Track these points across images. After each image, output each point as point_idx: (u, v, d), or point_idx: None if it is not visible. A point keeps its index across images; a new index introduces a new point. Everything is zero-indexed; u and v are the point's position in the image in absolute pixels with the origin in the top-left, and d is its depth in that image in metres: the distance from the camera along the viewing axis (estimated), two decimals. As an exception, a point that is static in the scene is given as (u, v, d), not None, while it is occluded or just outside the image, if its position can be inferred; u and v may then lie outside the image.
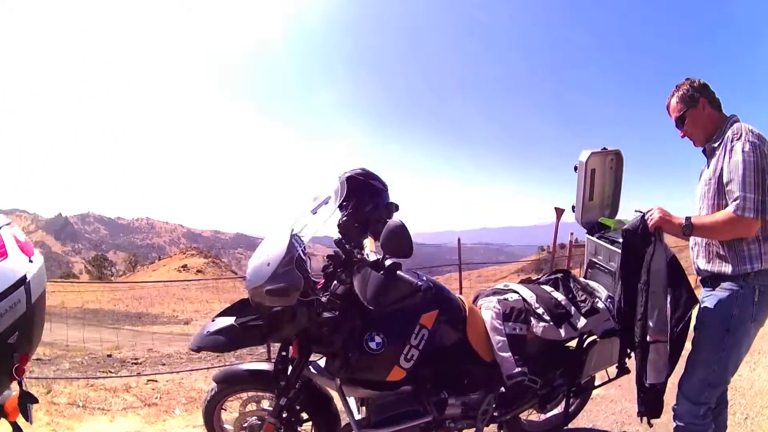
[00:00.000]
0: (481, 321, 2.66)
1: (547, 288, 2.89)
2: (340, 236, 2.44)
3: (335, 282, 2.42)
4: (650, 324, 2.36)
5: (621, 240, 2.79)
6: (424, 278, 2.46)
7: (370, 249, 2.36)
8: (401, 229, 2.07)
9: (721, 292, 2.38)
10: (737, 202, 2.19)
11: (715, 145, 2.41)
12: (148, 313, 27.24)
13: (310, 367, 2.42)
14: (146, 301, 30.73)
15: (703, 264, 2.48)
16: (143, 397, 4.98)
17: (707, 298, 2.45)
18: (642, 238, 2.43)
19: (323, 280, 2.50)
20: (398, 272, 2.10)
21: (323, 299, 2.32)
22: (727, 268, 2.35)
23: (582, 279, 3.14)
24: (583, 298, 2.82)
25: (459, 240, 8.17)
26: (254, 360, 5.91)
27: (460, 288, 7.56)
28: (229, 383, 2.60)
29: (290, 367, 2.41)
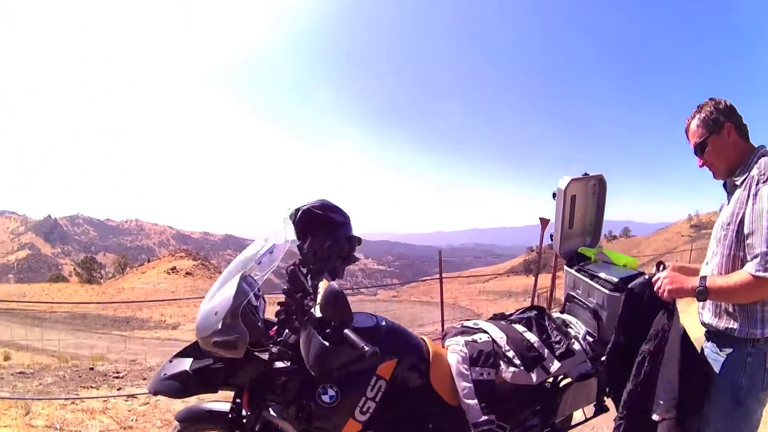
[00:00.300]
0: (447, 365, 2.48)
1: (520, 328, 2.70)
2: (288, 285, 2.28)
3: (287, 331, 2.27)
4: (660, 402, 2.13)
5: (602, 276, 2.69)
6: (383, 323, 2.33)
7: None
8: (337, 297, 1.90)
9: (728, 355, 2.08)
10: (758, 260, 1.85)
11: (738, 181, 2.08)
12: (135, 318, 27.09)
13: (270, 409, 2.29)
14: (134, 305, 30.52)
15: (708, 317, 2.17)
16: (120, 419, 4.85)
17: (713, 359, 2.15)
18: (649, 303, 2.20)
19: (277, 327, 2.35)
20: (345, 331, 1.93)
21: (274, 350, 2.19)
22: (736, 329, 2.03)
23: (560, 315, 2.99)
24: (557, 339, 2.64)
25: (440, 253, 7.79)
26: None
27: (441, 302, 7.39)
28: (192, 422, 2.48)
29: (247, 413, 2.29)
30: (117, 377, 7.21)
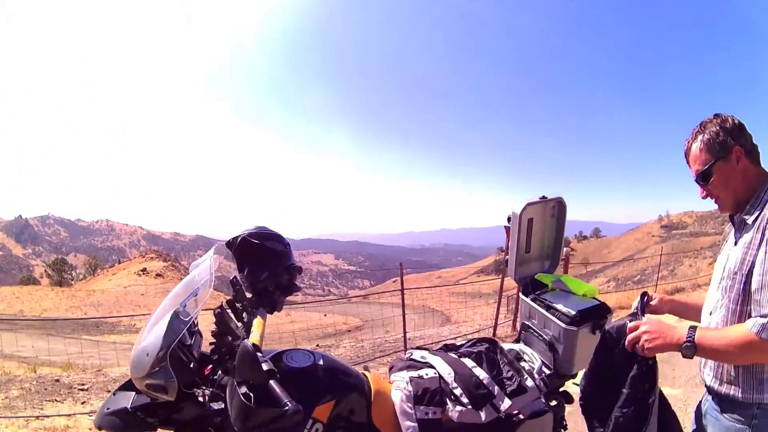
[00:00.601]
0: (391, 403, 2.24)
1: (469, 363, 2.44)
2: (216, 328, 2.02)
3: (220, 372, 2.04)
4: None
5: (559, 307, 2.45)
6: (320, 362, 2.07)
7: (258, 333, 1.92)
8: (248, 357, 1.69)
9: (731, 422, 1.73)
10: (764, 321, 1.49)
11: (749, 219, 1.68)
12: (106, 321, 26.47)
13: None
14: (104, 308, 29.88)
15: (710, 378, 1.82)
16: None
17: (713, 422, 1.82)
18: (626, 352, 1.81)
19: (212, 366, 2.09)
20: (271, 382, 1.68)
21: (207, 392, 1.96)
22: (738, 393, 1.68)
23: (512, 346, 2.73)
24: (509, 374, 2.39)
25: (401, 266, 7.40)
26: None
27: (404, 315, 7.10)
28: None
29: None
30: (82, 389, 7.07)
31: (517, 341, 2.83)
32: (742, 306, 1.65)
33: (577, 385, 2.19)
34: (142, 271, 51.22)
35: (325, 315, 30.99)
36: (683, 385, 5.56)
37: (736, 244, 1.76)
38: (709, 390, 1.85)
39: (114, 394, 2.07)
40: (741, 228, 1.75)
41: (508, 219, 2.64)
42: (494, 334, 7.83)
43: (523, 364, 2.55)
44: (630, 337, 1.75)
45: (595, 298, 2.61)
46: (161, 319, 1.95)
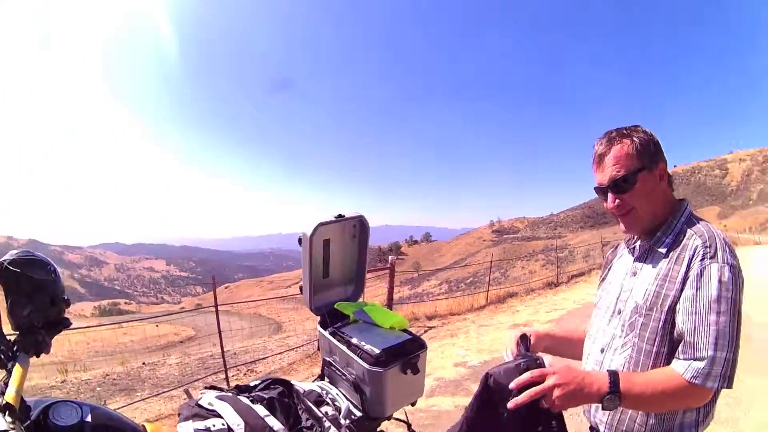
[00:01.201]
0: None
1: (261, 411, 1.97)
2: None
3: None
4: None
5: (362, 345, 2.02)
6: (87, 419, 1.51)
7: (15, 387, 1.32)
8: None
9: None
10: (701, 366, 1.26)
11: (661, 248, 1.46)
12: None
13: None
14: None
15: (604, 427, 1.51)
16: None
17: None
18: (521, 408, 1.29)
19: None
20: None
21: None
22: None
23: (314, 387, 2.26)
24: (308, 423, 1.97)
25: (213, 279, 6.65)
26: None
27: (219, 333, 6.38)
28: None
29: None
30: None
31: (321, 377, 2.37)
32: (660, 347, 1.39)
33: None
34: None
35: (157, 325, 29.42)
36: None
37: (635, 274, 1.52)
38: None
39: None
40: (646, 257, 1.52)
41: (299, 241, 2.15)
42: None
43: (326, 408, 2.11)
44: (525, 395, 1.29)
45: (406, 331, 2.23)
46: None
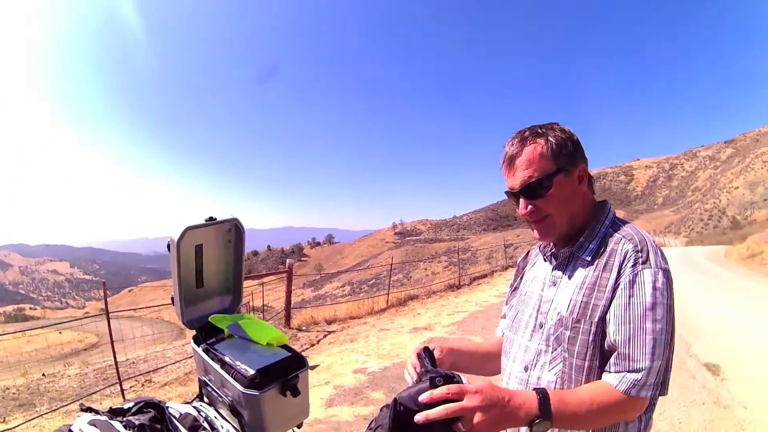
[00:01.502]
0: None
1: None
2: None
3: None
4: None
5: (236, 364, 1.81)
6: None
7: None
8: None
9: None
10: (638, 377, 1.15)
11: (585, 255, 1.33)
12: None
13: None
14: None
15: None
16: None
17: None
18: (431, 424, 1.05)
19: None
20: None
21: None
22: None
23: (190, 410, 2.01)
24: None
25: (105, 285, 6.12)
26: None
27: (112, 342, 5.95)
28: None
29: None
30: None
31: (199, 397, 2.13)
32: (592, 360, 1.24)
33: None
34: None
35: (60, 332, 27.50)
36: None
37: (555, 284, 1.38)
38: None
39: None
40: (567, 264, 1.37)
41: (168, 247, 1.93)
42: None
43: None
44: (441, 410, 1.03)
45: (285, 347, 1.99)
46: None
